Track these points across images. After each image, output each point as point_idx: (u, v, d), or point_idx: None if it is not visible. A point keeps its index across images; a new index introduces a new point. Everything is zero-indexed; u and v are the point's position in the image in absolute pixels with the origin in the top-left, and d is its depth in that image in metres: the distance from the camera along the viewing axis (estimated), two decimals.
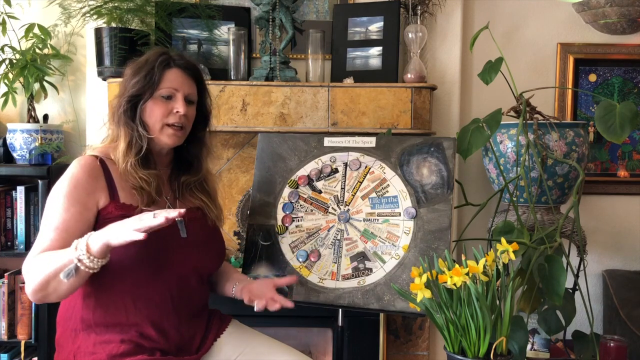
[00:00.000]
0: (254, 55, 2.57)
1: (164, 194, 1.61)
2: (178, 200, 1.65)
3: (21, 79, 2.52)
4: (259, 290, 1.70)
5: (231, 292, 1.75)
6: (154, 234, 1.50)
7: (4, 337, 2.43)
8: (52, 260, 1.39)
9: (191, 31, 2.49)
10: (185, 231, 1.55)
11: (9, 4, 2.53)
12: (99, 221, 1.50)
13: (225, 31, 2.49)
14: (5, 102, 2.55)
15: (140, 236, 1.33)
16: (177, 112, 1.57)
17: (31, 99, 2.56)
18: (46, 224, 1.48)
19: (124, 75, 1.62)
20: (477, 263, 1.40)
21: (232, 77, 2.45)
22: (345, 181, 1.88)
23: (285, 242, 1.85)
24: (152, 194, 1.54)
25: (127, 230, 1.34)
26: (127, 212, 1.51)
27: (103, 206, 1.51)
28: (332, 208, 1.86)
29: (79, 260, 1.36)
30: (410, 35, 2.49)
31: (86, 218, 1.49)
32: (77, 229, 1.47)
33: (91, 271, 1.38)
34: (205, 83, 1.70)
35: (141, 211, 1.51)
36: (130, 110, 1.56)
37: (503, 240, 1.48)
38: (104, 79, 2.43)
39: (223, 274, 1.80)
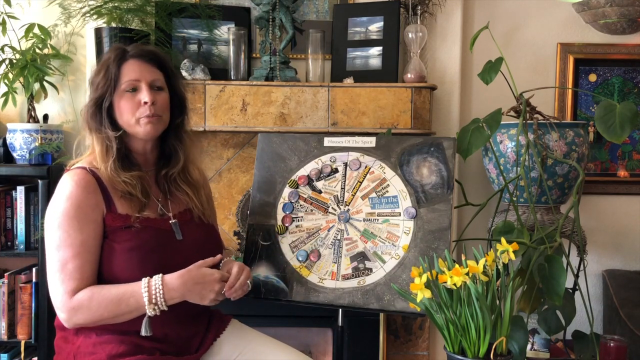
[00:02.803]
0: (254, 55, 2.57)
1: (154, 195, 1.59)
2: (169, 201, 1.62)
3: (21, 79, 2.51)
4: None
5: None
6: (152, 241, 1.51)
7: (4, 337, 2.42)
8: (118, 304, 1.44)
9: (191, 31, 2.49)
10: (180, 233, 1.56)
11: (9, 4, 2.53)
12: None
13: (225, 31, 2.49)
14: (5, 102, 2.55)
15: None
16: (145, 102, 1.52)
17: (31, 99, 2.56)
18: (62, 254, 1.44)
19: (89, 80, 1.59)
20: (477, 263, 1.40)
21: (232, 77, 2.45)
22: (345, 181, 1.88)
23: (285, 242, 1.85)
24: (140, 198, 1.52)
25: (206, 299, 1.51)
26: (124, 222, 1.50)
27: (102, 218, 1.50)
28: (332, 208, 1.86)
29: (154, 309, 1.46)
30: (410, 35, 2.49)
31: (100, 234, 1.48)
32: (96, 246, 1.47)
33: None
34: (172, 68, 1.63)
35: (137, 219, 1.51)
36: (96, 114, 1.53)
37: (503, 240, 1.48)
38: None
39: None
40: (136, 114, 1.52)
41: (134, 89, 1.53)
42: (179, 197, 1.65)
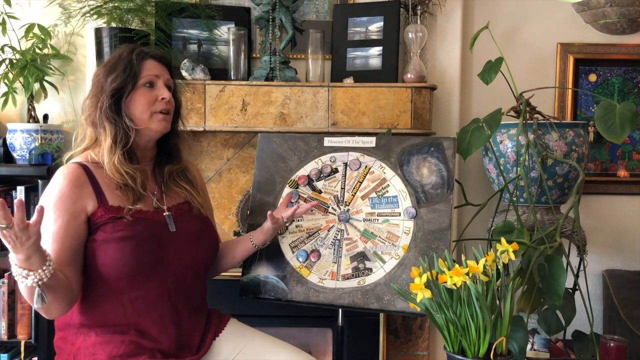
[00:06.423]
0: (254, 55, 2.57)
1: (150, 189, 1.61)
2: (164, 194, 1.65)
3: (21, 79, 2.52)
4: (280, 211, 1.77)
5: (251, 245, 1.78)
6: (145, 232, 1.51)
7: (4, 337, 2.43)
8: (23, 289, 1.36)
9: (191, 31, 2.49)
10: (174, 225, 1.57)
11: (9, 4, 2.53)
12: (91, 227, 1.51)
13: (225, 31, 2.49)
14: (5, 102, 2.55)
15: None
16: (163, 98, 1.58)
17: (31, 99, 2.56)
18: (43, 238, 1.42)
19: (94, 76, 1.62)
20: (477, 263, 1.40)
21: (232, 77, 2.45)
22: (345, 181, 1.88)
23: (285, 242, 1.85)
24: (137, 190, 1.55)
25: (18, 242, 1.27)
26: (116, 214, 1.51)
27: (92, 212, 1.50)
28: (332, 208, 1.86)
29: (37, 281, 1.31)
30: (410, 35, 2.49)
31: (74, 227, 1.48)
32: (67, 238, 1.47)
33: (48, 278, 1.34)
34: (175, 76, 1.72)
35: (129, 211, 1.52)
36: (114, 105, 1.56)
37: (503, 240, 1.48)
38: None
39: (230, 244, 1.83)
40: (151, 109, 1.58)
41: (151, 85, 1.59)
42: (175, 191, 1.68)
